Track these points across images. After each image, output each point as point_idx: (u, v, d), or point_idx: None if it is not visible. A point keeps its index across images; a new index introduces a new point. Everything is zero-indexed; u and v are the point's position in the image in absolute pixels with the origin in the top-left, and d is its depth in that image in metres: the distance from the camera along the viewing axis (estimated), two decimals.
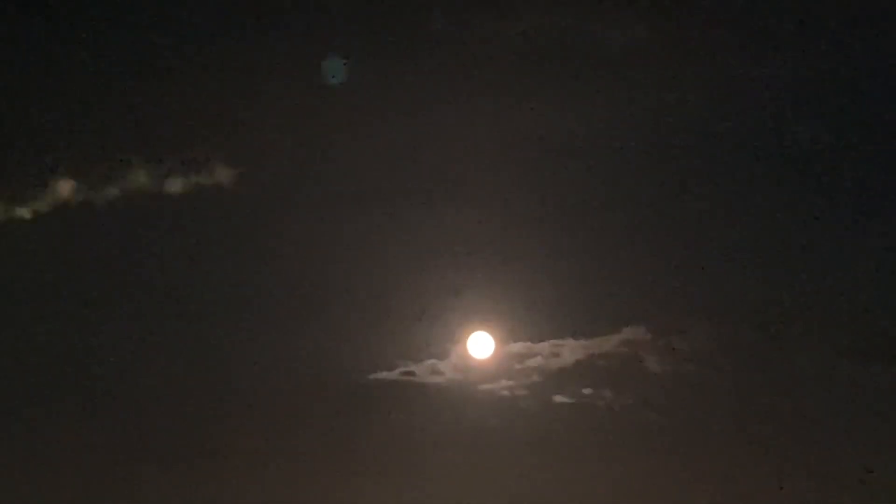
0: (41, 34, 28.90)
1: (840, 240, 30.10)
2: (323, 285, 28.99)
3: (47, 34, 28.72)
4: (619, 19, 29.43)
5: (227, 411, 28.29)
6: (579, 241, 29.60)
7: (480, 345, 28.53)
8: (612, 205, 29.74)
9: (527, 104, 29.55)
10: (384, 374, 28.35)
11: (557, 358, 28.54)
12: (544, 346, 28.53)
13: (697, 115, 29.56)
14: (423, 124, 29.38)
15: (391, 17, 29.39)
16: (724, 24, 29.51)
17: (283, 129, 29.01)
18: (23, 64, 28.66)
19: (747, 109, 29.90)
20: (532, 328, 28.63)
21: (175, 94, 28.59)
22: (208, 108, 28.60)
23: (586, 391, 28.47)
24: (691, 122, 29.61)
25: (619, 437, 28.67)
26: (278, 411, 28.29)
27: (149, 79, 28.75)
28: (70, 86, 28.66)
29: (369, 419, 28.39)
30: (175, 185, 28.42)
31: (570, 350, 28.57)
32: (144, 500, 27.64)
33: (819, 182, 30.31)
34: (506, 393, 28.44)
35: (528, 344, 28.53)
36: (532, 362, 28.48)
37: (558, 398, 28.44)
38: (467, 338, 28.51)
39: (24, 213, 28.17)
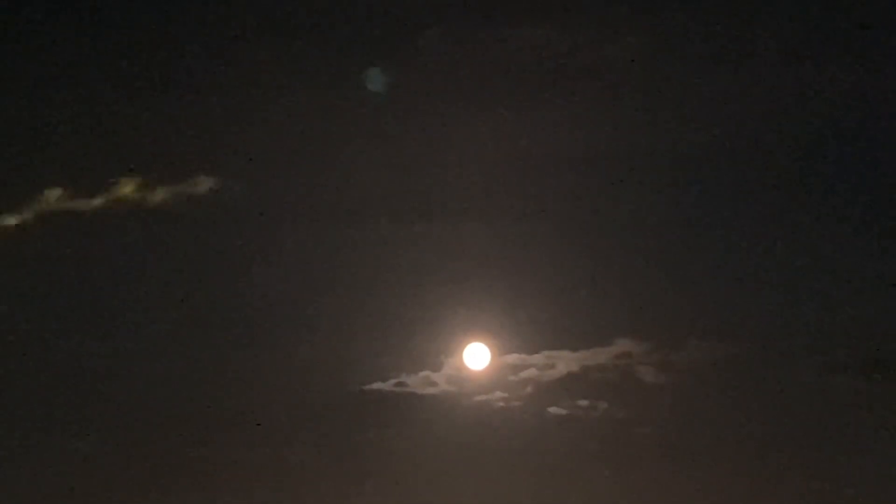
0: (30, 50, 28.99)
1: (836, 255, 30.06)
2: (317, 296, 28.86)
3: (35, 43, 28.78)
4: (615, 32, 29.53)
5: (218, 422, 28.05)
6: (574, 253, 29.52)
7: (475, 356, 28.40)
8: (608, 217, 29.70)
9: (522, 117, 29.62)
10: (378, 385, 28.17)
11: (552, 370, 28.38)
12: (538, 358, 28.39)
13: (694, 127, 29.63)
14: (418, 137, 29.41)
15: (387, 30, 29.50)
16: (723, 36, 29.67)
17: (279, 139, 29.02)
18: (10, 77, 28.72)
19: (747, 122, 29.98)
20: (526, 340, 28.50)
21: (166, 104, 28.63)
22: (199, 118, 28.61)
23: (582, 403, 28.29)
24: (689, 135, 29.65)
25: (615, 449, 28.44)
26: (270, 421, 28.06)
27: (138, 89, 28.82)
28: (57, 94, 28.74)
29: (362, 430, 28.18)
30: (163, 194, 28.35)
31: (565, 362, 28.41)
32: None
33: (816, 197, 30.32)
34: (500, 404, 28.25)
35: (523, 356, 28.39)
36: (526, 374, 28.32)
37: (553, 410, 28.24)
38: (461, 349, 28.37)
39: (10, 220, 28.06)
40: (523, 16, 29.61)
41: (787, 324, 29.98)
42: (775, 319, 29.78)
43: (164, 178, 28.38)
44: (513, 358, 28.35)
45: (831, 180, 30.47)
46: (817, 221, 30.17)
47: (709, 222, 30.03)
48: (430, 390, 28.21)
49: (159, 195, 28.31)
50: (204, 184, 28.36)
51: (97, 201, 28.15)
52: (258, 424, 27.78)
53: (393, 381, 28.15)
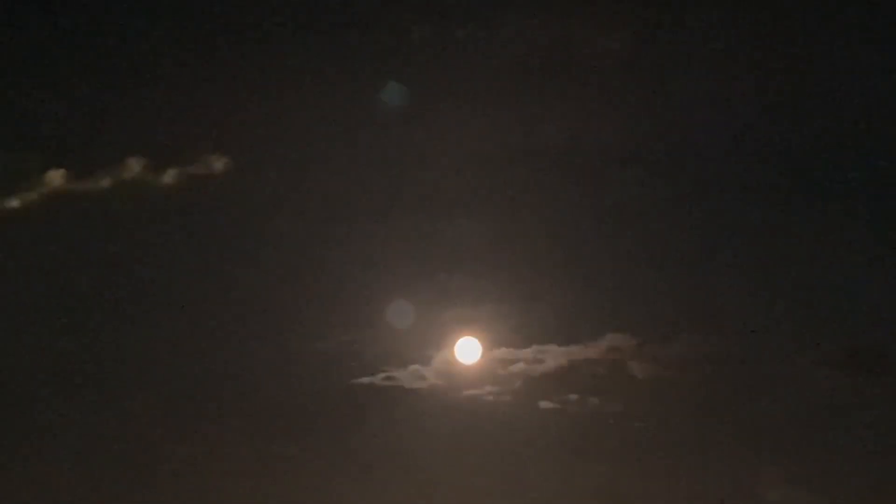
0: (32, 29, 28.92)
1: (824, 250, 30.12)
2: (308, 289, 28.77)
3: (40, 30, 28.70)
4: (606, 25, 29.58)
5: (206, 415, 27.90)
6: (565, 248, 29.51)
7: (464, 350, 28.32)
8: (598, 212, 29.72)
9: (511, 113, 29.66)
10: (367, 380, 28.04)
11: (541, 364, 28.31)
12: (528, 353, 28.32)
13: (686, 122, 29.72)
14: (410, 133, 29.40)
15: (378, 25, 29.53)
16: (714, 30, 29.76)
17: (280, 128, 28.98)
18: (12, 58, 28.59)
19: (737, 116, 30.06)
20: (516, 334, 28.45)
21: (171, 90, 28.59)
22: (205, 103, 28.55)
23: (572, 397, 28.21)
24: (678, 130, 29.73)
25: (605, 443, 28.37)
26: (260, 416, 27.92)
27: (143, 74, 28.76)
28: (63, 79, 28.64)
29: (351, 424, 28.03)
30: (167, 178, 28.28)
31: (554, 356, 28.35)
32: (121, 500, 27.16)
33: (807, 191, 30.41)
34: (490, 398, 28.15)
35: (512, 350, 28.32)
36: (515, 368, 28.23)
37: (544, 404, 28.14)
38: (451, 343, 28.30)
39: (13, 203, 27.90)
40: (511, 9, 29.71)
41: (775, 319, 30.01)
42: (764, 315, 29.81)
43: (172, 159, 28.35)
44: (502, 352, 28.28)
45: (819, 176, 30.59)
46: (805, 217, 30.25)
47: (699, 218, 30.09)
48: (420, 384, 28.11)
49: (163, 179, 28.30)
50: (198, 172, 28.35)
51: (102, 183, 28.05)
52: (248, 418, 27.73)
53: (382, 375, 28.05)
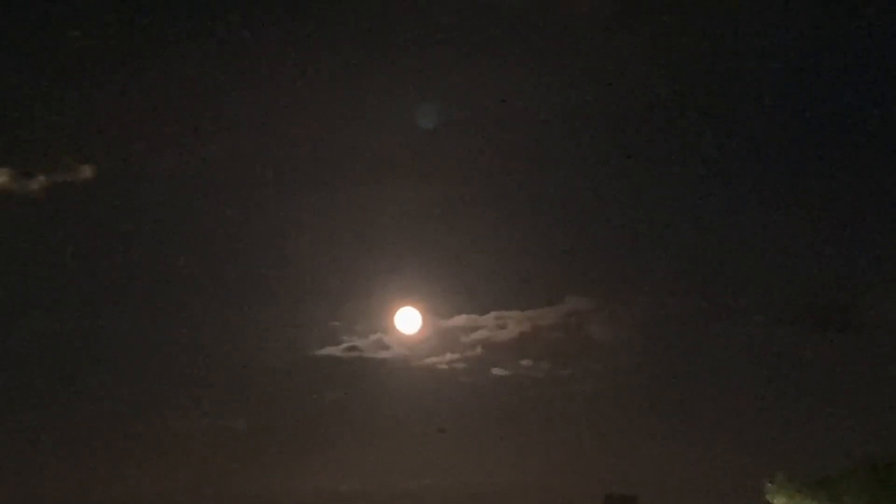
0: None
1: (777, 212, 30.31)
2: (264, 266, 29.05)
3: None
4: None
5: (169, 390, 28.40)
6: (524, 213, 29.66)
7: (420, 318, 28.58)
8: (557, 177, 29.78)
9: (469, 79, 29.40)
10: (329, 350, 28.45)
11: (503, 330, 28.60)
12: (489, 319, 28.59)
13: (647, 90, 29.52)
14: (356, 100, 29.21)
15: None
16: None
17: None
18: None
19: (707, 85, 29.85)
20: (476, 300, 28.70)
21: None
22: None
23: (524, 363, 28.60)
24: (641, 96, 29.58)
25: (555, 407, 28.92)
26: (222, 388, 28.42)
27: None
28: None
29: (314, 394, 28.54)
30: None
31: (516, 322, 28.64)
32: (83, 477, 27.79)
33: (761, 157, 30.45)
34: (444, 367, 28.52)
35: (474, 316, 28.57)
36: (477, 335, 28.51)
37: (496, 371, 28.54)
38: (410, 312, 28.59)
39: None
40: None
41: (732, 279, 30.33)
42: (721, 275, 30.12)
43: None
44: (462, 319, 28.54)
45: (775, 141, 30.57)
46: (762, 181, 30.33)
47: (657, 181, 30.18)
48: (382, 354, 28.46)
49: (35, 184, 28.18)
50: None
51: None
52: (208, 392, 28.14)
53: (345, 345, 28.43)
